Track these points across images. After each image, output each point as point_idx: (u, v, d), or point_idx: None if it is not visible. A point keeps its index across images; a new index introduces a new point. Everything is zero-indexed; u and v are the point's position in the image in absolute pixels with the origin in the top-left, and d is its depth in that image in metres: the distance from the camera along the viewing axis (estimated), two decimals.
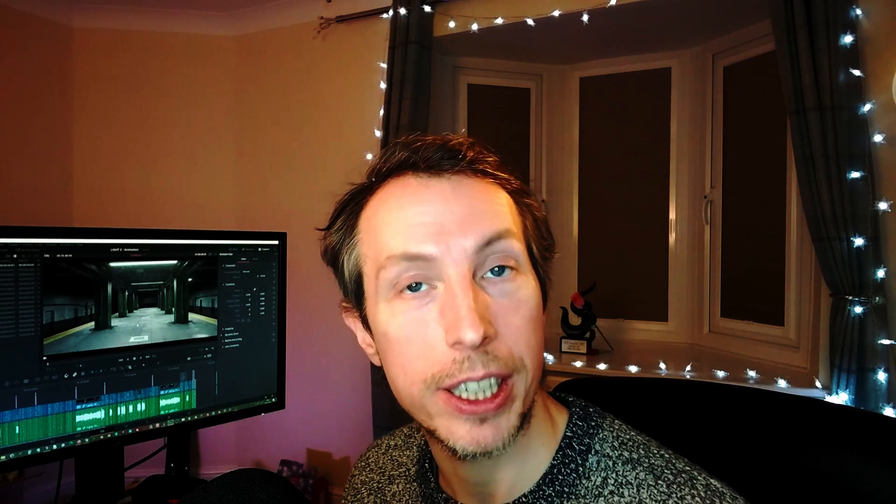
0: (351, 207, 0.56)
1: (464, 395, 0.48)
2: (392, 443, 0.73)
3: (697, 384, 0.80)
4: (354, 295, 0.57)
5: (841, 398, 1.67)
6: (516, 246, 0.51)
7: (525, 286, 0.51)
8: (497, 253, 0.50)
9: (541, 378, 0.54)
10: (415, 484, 0.65)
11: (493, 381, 0.48)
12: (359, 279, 0.56)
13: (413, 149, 0.53)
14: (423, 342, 0.49)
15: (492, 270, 0.50)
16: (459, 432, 0.49)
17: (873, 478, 0.60)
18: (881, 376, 1.64)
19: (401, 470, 0.68)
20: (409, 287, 0.50)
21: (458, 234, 0.49)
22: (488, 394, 0.48)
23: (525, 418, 0.51)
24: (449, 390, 0.48)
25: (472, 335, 0.45)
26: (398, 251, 0.50)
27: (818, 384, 1.83)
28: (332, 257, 0.58)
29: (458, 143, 0.53)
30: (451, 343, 0.47)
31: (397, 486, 0.67)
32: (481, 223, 0.50)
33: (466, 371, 0.47)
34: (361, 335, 0.59)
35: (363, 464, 0.74)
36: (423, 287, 0.50)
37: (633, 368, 2.07)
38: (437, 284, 0.50)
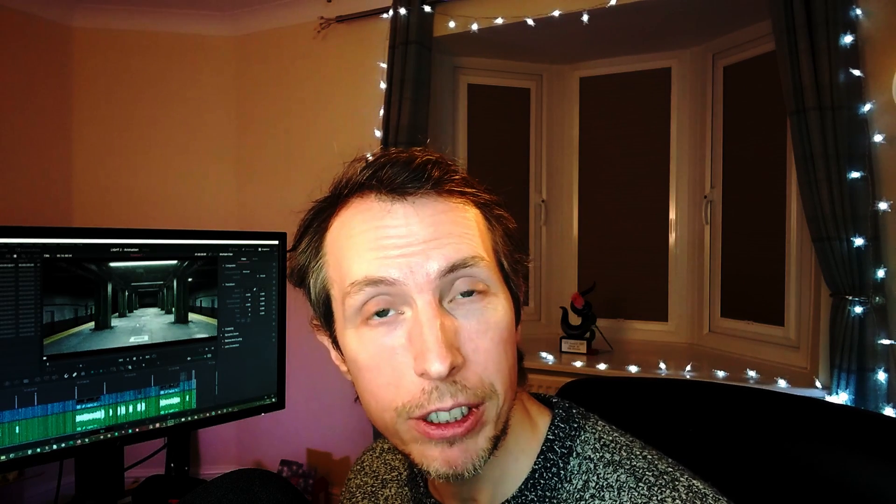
0: (315, 227, 0.56)
1: (434, 421, 0.48)
2: (386, 446, 0.73)
3: (703, 384, 0.80)
4: (324, 316, 0.56)
5: (841, 398, 1.67)
6: (483, 270, 0.50)
7: (495, 308, 0.51)
8: (463, 277, 0.49)
9: (515, 396, 0.53)
10: (406, 488, 0.66)
11: (463, 409, 0.48)
12: (327, 301, 0.55)
13: (378, 166, 0.51)
14: (391, 371, 0.49)
15: (461, 293, 0.50)
16: (432, 455, 0.49)
17: (873, 477, 0.60)
18: (881, 376, 1.64)
19: (393, 474, 0.69)
20: (377, 313, 0.49)
21: (422, 258, 0.48)
22: (458, 417, 0.48)
23: (497, 441, 0.51)
24: (419, 418, 0.48)
25: (438, 367, 0.45)
26: (361, 276, 0.49)
27: (818, 384, 1.83)
28: (299, 279, 0.57)
29: (423, 163, 0.51)
30: (418, 373, 0.47)
31: (390, 490, 0.68)
32: (445, 248, 0.48)
33: (435, 402, 0.47)
34: (334, 353, 0.59)
35: (358, 467, 0.74)
36: (391, 313, 0.49)
37: (633, 368, 2.07)
38: (405, 310, 0.49)
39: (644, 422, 0.68)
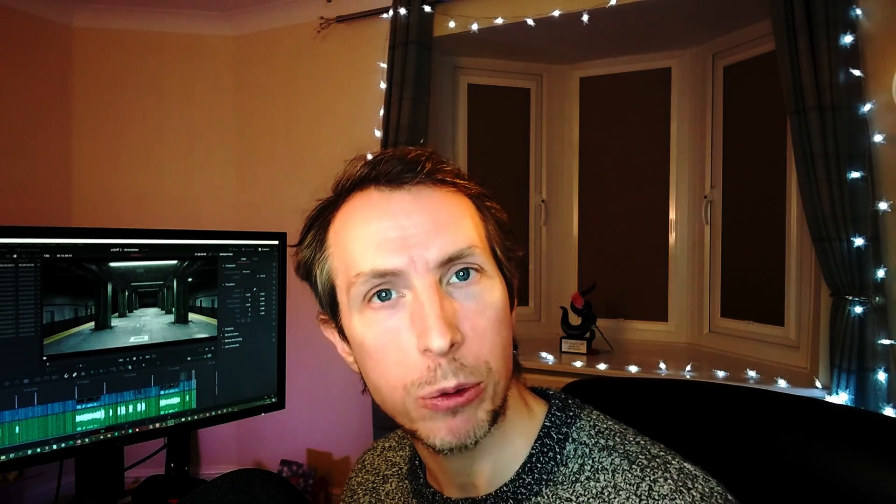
0: (319, 223, 0.59)
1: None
2: (387, 444, 0.75)
3: (706, 385, 0.80)
4: (329, 307, 0.59)
5: (841, 398, 1.67)
6: (480, 257, 0.53)
7: (491, 289, 0.54)
8: (460, 264, 0.52)
9: (510, 375, 0.56)
10: (406, 481, 0.67)
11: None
12: (332, 291, 0.58)
13: (374, 163, 0.55)
14: (398, 350, 0.51)
15: (457, 274, 0.52)
16: (437, 427, 0.51)
17: (874, 478, 0.60)
18: (881, 376, 1.64)
19: (394, 469, 0.70)
20: (379, 296, 0.52)
21: (422, 248, 0.51)
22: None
23: (495, 415, 0.53)
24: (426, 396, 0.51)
25: (439, 342, 0.48)
26: (367, 269, 0.52)
27: (818, 384, 1.83)
28: (305, 272, 0.60)
29: (417, 155, 0.55)
30: (421, 350, 0.50)
31: (390, 485, 0.69)
32: (444, 237, 0.52)
33: (440, 381, 0.49)
34: (340, 346, 0.61)
35: (359, 466, 0.76)
36: (393, 295, 0.52)
37: (633, 368, 2.07)
38: (405, 293, 0.52)
39: (648, 422, 0.67)
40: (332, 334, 0.62)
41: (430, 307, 0.49)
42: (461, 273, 0.52)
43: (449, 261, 0.51)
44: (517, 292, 0.62)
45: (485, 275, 0.53)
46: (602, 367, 2.12)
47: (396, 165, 0.54)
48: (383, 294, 0.52)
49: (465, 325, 0.51)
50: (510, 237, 0.60)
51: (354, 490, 0.73)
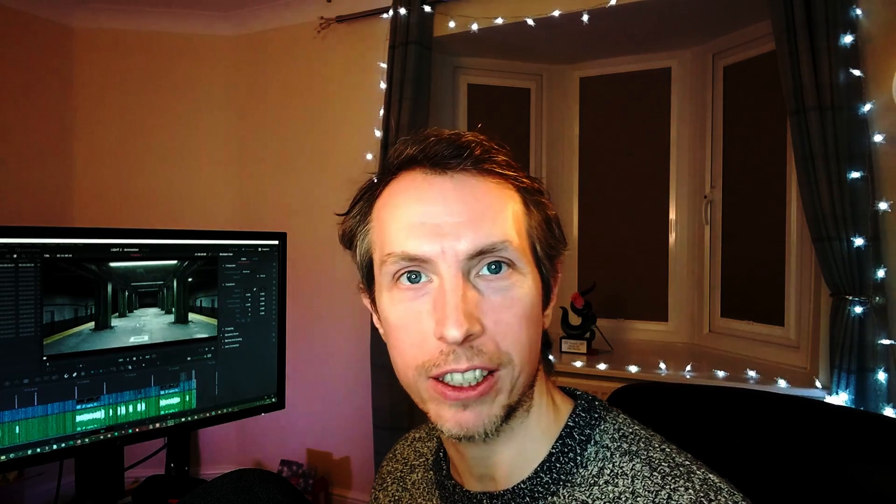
0: (367, 196, 0.59)
1: (450, 383, 0.51)
2: (417, 435, 0.76)
3: (765, 395, 0.77)
4: (366, 278, 0.60)
5: (841, 398, 1.67)
6: (512, 252, 0.52)
7: (520, 285, 0.53)
8: (491, 258, 0.52)
9: (534, 373, 0.56)
10: (431, 472, 0.68)
11: (478, 372, 0.51)
12: (369, 264, 0.59)
13: (423, 144, 0.55)
14: (416, 332, 0.52)
15: (488, 267, 0.52)
16: (445, 415, 0.52)
17: None
18: (881, 376, 1.64)
19: (421, 460, 0.72)
20: (409, 278, 0.53)
21: (453, 238, 0.51)
22: (473, 382, 0.51)
23: (511, 410, 0.53)
24: (437, 378, 0.52)
25: (454, 333, 0.48)
26: (398, 250, 0.52)
27: (818, 384, 1.83)
28: (348, 241, 0.61)
29: (467, 141, 0.54)
30: (437, 337, 0.51)
31: (417, 475, 0.71)
32: (477, 230, 0.51)
33: (451, 363, 0.50)
34: (375, 316, 0.62)
35: (391, 455, 0.78)
36: (422, 278, 0.53)
37: (633, 368, 2.07)
38: (434, 278, 0.52)
39: (698, 430, 0.65)
40: (367, 302, 0.63)
41: (452, 297, 0.50)
42: (493, 266, 0.52)
43: (479, 253, 0.51)
44: (556, 290, 0.61)
45: (517, 270, 0.53)
46: (602, 367, 2.12)
47: (445, 149, 0.53)
48: (412, 276, 0.53)
49: (489, 318, 0.51)
50: (556, 235, 0.59)
51: (384, 478, 0.75)
